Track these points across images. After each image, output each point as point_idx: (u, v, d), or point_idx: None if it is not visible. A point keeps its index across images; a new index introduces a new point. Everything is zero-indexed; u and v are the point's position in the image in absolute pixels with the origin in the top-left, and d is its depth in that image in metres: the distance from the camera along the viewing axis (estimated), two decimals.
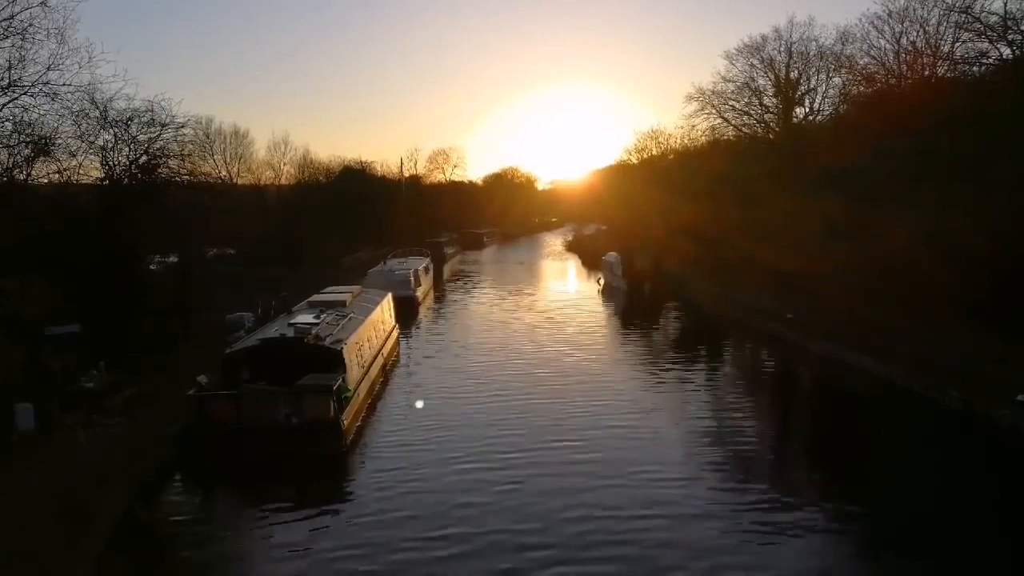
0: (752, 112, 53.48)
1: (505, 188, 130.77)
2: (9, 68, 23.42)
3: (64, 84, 24.46)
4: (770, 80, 52.18)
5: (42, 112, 24.90)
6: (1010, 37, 31.25)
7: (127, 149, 29.65)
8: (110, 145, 29.17)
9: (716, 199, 47.38)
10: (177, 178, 31.51)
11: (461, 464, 18.42)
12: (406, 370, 30.29)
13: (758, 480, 17.53)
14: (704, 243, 49.28)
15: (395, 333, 33.95)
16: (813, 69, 50.25)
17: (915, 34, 39.81)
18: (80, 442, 18.54)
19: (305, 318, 24.76)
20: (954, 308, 27.19)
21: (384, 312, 32.18)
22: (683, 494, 16.49)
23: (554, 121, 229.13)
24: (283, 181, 76.05)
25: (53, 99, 24.41)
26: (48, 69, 23.94)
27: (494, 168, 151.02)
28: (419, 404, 24.47)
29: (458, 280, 65.12)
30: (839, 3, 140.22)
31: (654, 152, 77.33)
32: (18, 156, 25.65)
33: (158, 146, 30.02)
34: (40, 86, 23.98)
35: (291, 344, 21.83)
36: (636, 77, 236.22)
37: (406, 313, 39.90)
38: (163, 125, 29.69)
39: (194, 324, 31.23)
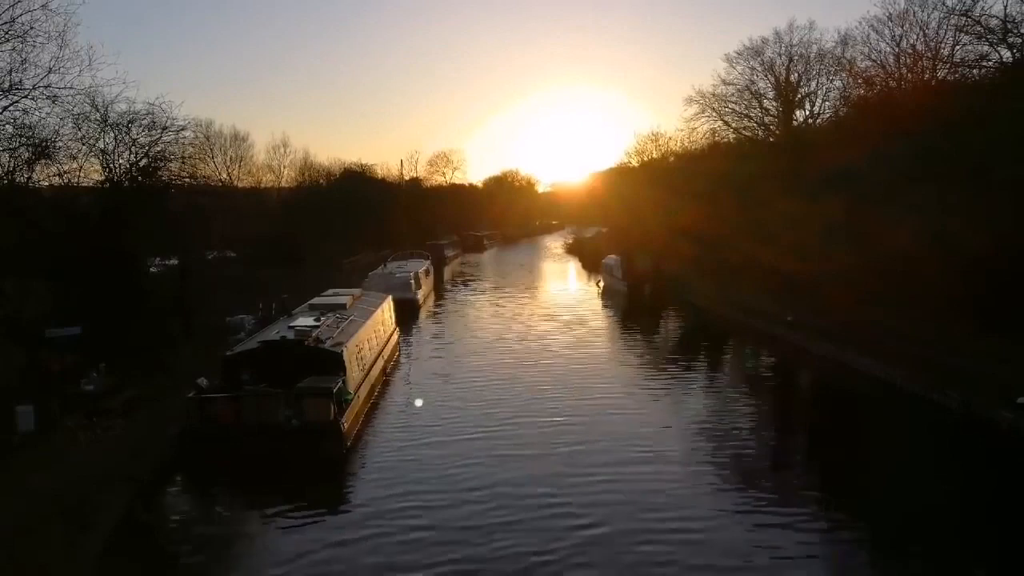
0: (752, 115, 53.53)
1: (505, 191, 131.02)
2: (10, 71, 23.52)
3: (65, 87, 24.55)
4: (770, 83, 52.24)
5: (43, 115, 25.07)
6: (1010, 40, 31.27)
7: (128, 152, 29.71)
8: (111, 148, 29.24)
9: (716, 201, 47.39)
10: (177, 181, 31.56)
11: (462, 465, 18.41)
12: (406, 372, 30.29)
13: (757, 478, 17.54)
14: (704, 245, 49.28)
15: (395, 336, 33.94)
16: (813, 72, 50.36)
17: (915, 37, 39.83)
18: (80, 443, 18.55)
19: (305, 320, 24.73)
20: (954, 309, 27.19)
21: (384, 314, 32.17)
22: (681, 491, 16.54)
23: (554, 124, 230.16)
24: (283, 184, 76.22)
25: (54, 102, 24.52)
26: (49, 72, 24.03)
27: (494, 171, 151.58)
28: (418, 402, 24.49)
29: (458, 282, 65.14)
30: (839, 6, 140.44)
31: (654, 154, 77.52)
32: (19, 159, 25.73)
33: (158, 149, 30.08)
34: (41, 89, 24.07)
35: (291, 346, 21.81)
36: (636, 80, 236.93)
37: (406, 315, 39.91)
38: (163, 128, 29.73)
39: (194, 326, 31.24)
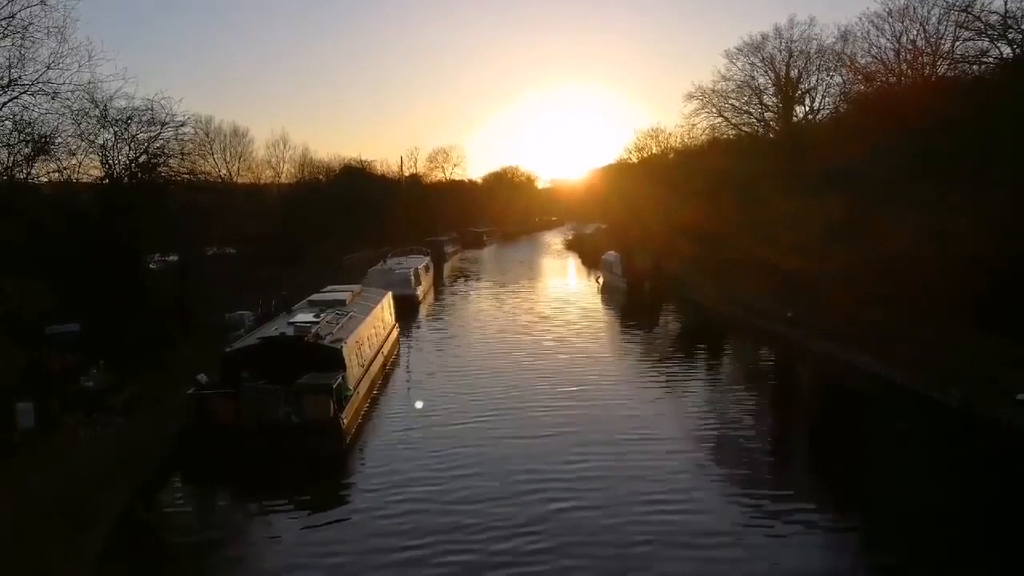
0: (752, 111, 53.53)
1: (505, 187, 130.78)
2: (9, 67, 23.43)
3: (64, 83, 24.45)
4: (770, 79, 52.23)
5: (42, 111, 24.89)
6: (1010, 36, 31.28)
7: (127, 148, 29.64)
8: (110, 144, 29.17)
9: (716, 198, 47.36)
10: (177, 177, 31.50)
11: (461, 463, 18.41)
12: (406, 369, 30.28)
13: (756, 476, 17.59)
14: (704, 242, 49.25)
15: (395, 332, 33.94)
16: (813, 68, 50.36)
17: (915, 33, 39.85)
18: (80, 441, 18.54)
19: (305, 317, 24.73)
20: (954, 308, 27.18)
21: (384, 311, 32.17)
22: (675, 476, 16.76)
23: (554, 120, 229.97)
24: (283, 180, 76.10)
25: (53, 98, 24.41)
26: (48, 68, 23.94)
27: (494, 167, 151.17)
28: (419, 405, 24.40)
29: (458, 279, 65.14)
30: (840, 2, 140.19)
31: (654, 151, 77.46)
32: (18, 155, 25.62)
33: (158, 145, 30.02)
34: (40, 85, 23.98)
35: (291, 343, 21.79)
36: (636, 76, 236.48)
37: (406, 312, 39.91)
38: (163, 124, 29.68)
39: (194, 323, 31.20)
